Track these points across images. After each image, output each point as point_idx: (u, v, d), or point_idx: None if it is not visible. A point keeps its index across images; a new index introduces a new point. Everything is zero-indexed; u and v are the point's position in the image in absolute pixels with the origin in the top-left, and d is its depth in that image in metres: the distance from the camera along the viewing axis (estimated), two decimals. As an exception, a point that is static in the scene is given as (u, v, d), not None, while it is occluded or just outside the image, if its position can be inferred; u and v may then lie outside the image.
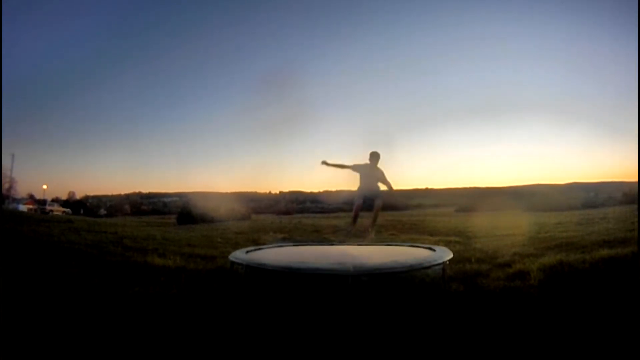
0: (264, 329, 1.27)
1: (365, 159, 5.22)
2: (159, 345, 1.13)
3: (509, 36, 17.58)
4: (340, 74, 21.19)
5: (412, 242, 2.71)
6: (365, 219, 5.34)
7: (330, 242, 3.45)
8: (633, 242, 2.49)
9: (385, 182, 5.12)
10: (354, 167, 5.13)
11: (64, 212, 21.88)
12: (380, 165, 5.17)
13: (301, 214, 19.86)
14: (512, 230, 4.43)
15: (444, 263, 1.71)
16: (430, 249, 2.07)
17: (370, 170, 5.10)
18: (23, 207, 18.64)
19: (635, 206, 6.90)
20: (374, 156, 5.13)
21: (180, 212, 10.76)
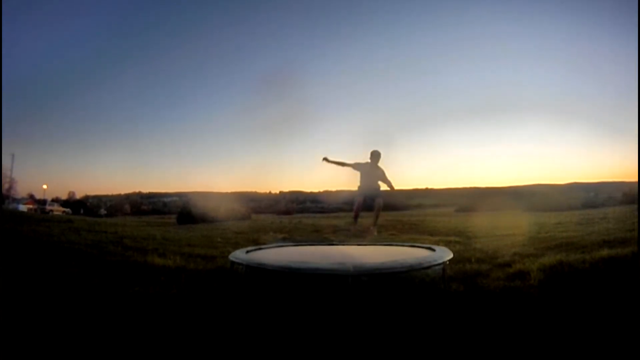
0: (264, 328, 1.27)
1: (365, 159, 5.22)
2: (159, 345, 1.13)
3: (509, 36, 17.60)
4: (340, 74, 21.21)
5: (412, 242, 2.71)
6: (365, 219, 5.35)
7: (330, 242, 3.45)
8: (633, 242, 2.49)
9: (385, 180, 5.11)
10: (355, 166, 5.13)
11: (64, 212, 21.89)
12: (380, 164, 5.16)
13: (301, 213, 19.87)
14: (512, 230, 4.43)
15: (444, 263, 1.71)
16: (430, 249, 2.07)
17: (371, 169, 5.09)
18: (23, 207, 18.66)
19: (635, 206, 6.90)
20: (375, 155, 5.12)
21: (180, 212, 10.77)
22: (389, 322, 1.31)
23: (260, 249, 2.38)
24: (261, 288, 1.80)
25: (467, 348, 1.11)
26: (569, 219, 6.06)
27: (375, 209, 5.01)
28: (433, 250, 1.99)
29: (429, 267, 1.67)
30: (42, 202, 23.03)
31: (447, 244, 3.25)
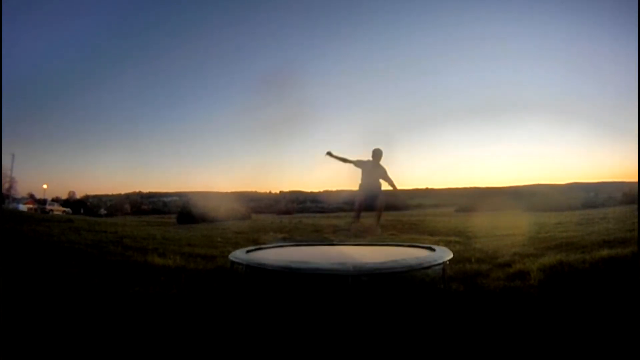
0: (264, 328, 1.27)
1: (366, 158, 5.22)
2: (160, 345, 1.13)
3: (509, 36, 17.62)
4: (340, 74, 21.21)
5: (412, 242, 2.71)
6: (366, 219, 5.34)
7: (331, 242, 3.45)
8: (633, 242, 2.49)
9: (387, 179, 5.12)
10: (357, 163, 5.14)
11: (64, 211, 21.91)
12: (381, 163, 5.17)
13: (301, 213, 19.88)
14: (512, 230, 4.43)
15: (444, 263, 1.71)
16: (430, 249, 2.07)
17: (373, 167, 5.10)
18: (23, 207, 18.69)
19: (635, 206, 6.91)
20: (377, 153, 5.13)
21: (180, 211, 10.77)
22: (389, 322, 1.31)
23: (260, 248, 2.38)
24: (261, 288, 1.80)
25: (467, 348, 1.11)
26: (569, 219, 6.06)
27: (378, 207, 5.02)
28: (433, 250, 1.99)
29: (429, 267, 1.67)
30: (42, 202, 23.06)
31: (447, 244, 3.26)
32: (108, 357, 1.06)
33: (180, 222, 9.21)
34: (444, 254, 1.77)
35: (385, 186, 5.15)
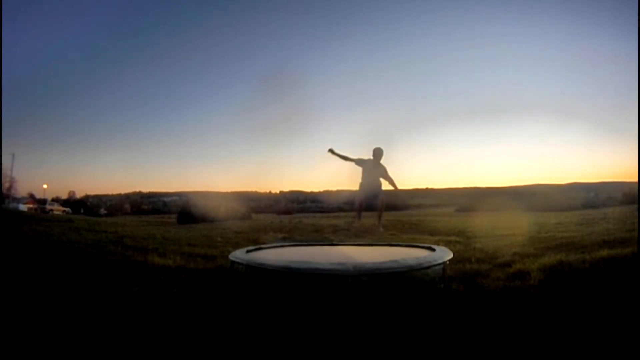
0: (264, 328, 1.27)
1: (366, 157, 5.23)
2: (160, 345, 1.13)
3: (509, 36, 17.60)
4: (340, 74, 21.19)
5: (412, 242, 2.71)
6: (366, 219, 5.35)
7: (331, 242, 3.45)
8: (633, 242, 2.49)
9: (387, 178, 5.13)
10: (357, 161, 5.15)
11: (64, 211, 21.93)
12: (382, 162, 5.17)
13: (301, 213, 19.88)
14: (512, 230, 4.43)
15: (444, 263, 1.71)
16: (430, 248, 2.07)
17: (373, 166, 5.11)
18: (23, 207, 18.69)
19: (635, 206, 6.90)
20: (378, 152, 5.14)
21: (180, 211, 10.76)
22: (389, 322, 1.31)
23: (260, 248, 2.38)
24: (261, 288, 1.80)
25: (467, 348, 1.11)
26: (569, 219, 6.06)
27: (379, 207, 5.03)
28: (433, 250, 2.00)
29: (429, 267, 1.67)
30: (43, 202, 23.07)
31: (447, 243, 3.25)
32: (108, 356, 1.06)
33: (180, 222, 9.20)
34: (444, 254, 1.78)
35: (385, 186, 5.15)
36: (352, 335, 1.20)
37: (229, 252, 2.23)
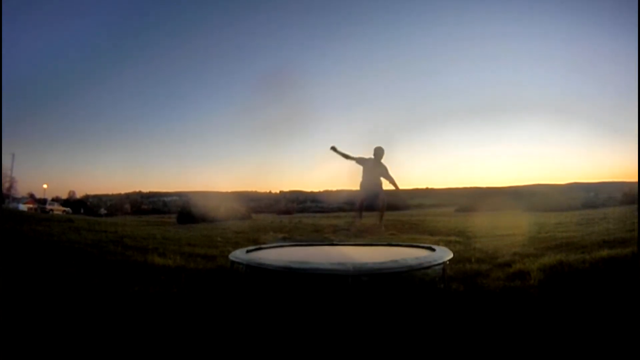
0: (263, 328, 1.27)
1: (367, 157, 5.23)
2: (160, 345, 1.13)
3: (509, 36, 17.58)
4: (340, 74, 21.17)
5: (412, 242, 2.71)
6: (367, 219, 5.35)
7: (331, 242, 3.45)
8: (633, 242, 2.49)
9: (388, 177, 5.14)
10: (359, 160, 5.16)
11: (64, 211, 21.93)
12: (382, 162, 5.17)
13: (301, 213, 19.87)
14: (512, 230, 4.43)
15: (444, 263, 1.71)
16: (430, 248, 2.07)
17: (374, 165, 5.12)
18: (23, 207, 18.69)
19: (635, 206, 6.90)
20: (378, 152, 5.15)
21: (180, 211, 10.75)
22: (389, 322, 1.31)
23: (260, 248, 2.38)
24: (261, 288, 1.80)
25: (467, 348, 1.11)
26: (569, 219, 6.06)
27: (380, 207, 5.03)
28: (433, 250, 2.00)
29: (429, 267, 1.67)
30: (43, 202, 23.08)
31: (447, 243, 3.26)
32: (108, 356, 1.06)
33: (180, 221, 9.20)
34: (444, 254, 1.77)
35: (386, 185, 5.16)
36: (352, 335, 1.20)
37: (229, 252, 2.23)
